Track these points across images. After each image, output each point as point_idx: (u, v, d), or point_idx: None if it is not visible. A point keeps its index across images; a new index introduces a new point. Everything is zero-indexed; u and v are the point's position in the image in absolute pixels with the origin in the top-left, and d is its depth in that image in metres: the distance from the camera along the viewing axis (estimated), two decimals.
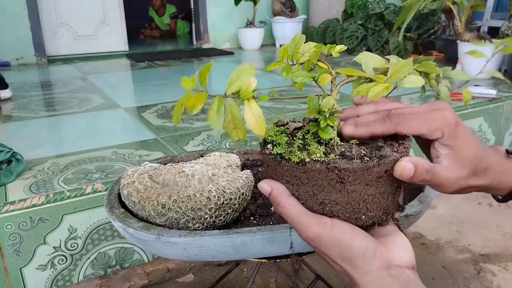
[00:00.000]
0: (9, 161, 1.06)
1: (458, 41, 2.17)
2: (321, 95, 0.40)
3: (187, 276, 1.12)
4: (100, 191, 0.99)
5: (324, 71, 0.39)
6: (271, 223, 0.61)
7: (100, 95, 1.98)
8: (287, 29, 3.59)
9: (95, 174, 1.06)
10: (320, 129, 0.38)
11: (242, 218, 0.63)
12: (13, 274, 0.93)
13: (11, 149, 1.07)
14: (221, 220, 0.58)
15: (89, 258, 1.01)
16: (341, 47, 0.41)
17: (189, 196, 0.56)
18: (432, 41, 2.93)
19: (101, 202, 0.99)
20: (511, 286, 1.07)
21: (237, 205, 0.59)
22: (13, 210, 0.90)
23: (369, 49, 3.00)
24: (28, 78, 2.46)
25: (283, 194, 0.38)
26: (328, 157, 0.35)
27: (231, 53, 3.33)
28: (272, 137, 0.39)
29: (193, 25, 3.81)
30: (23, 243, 0.92)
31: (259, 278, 1.10)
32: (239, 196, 0.59)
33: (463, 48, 2.13)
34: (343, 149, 0.37)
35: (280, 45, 3.71)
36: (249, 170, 0.66)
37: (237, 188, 0.60)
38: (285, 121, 0.43)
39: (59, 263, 0.98)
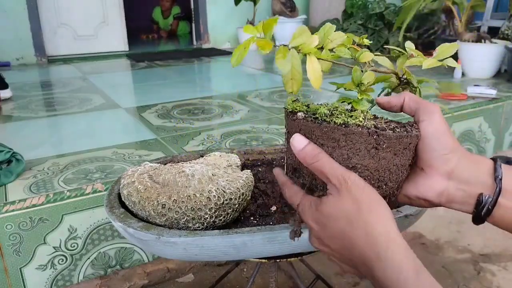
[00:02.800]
0: (9, 161, 1.06)
1: (458, 41, 2.17)
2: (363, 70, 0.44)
3: (187, 276, 1.12)
4: (100, 191, 0.99)
5: (364, 50, 0.44)
6: (271, 223, 0.61)
7: (100, 95, 1.98)
8: (287, 29, 3.59)
9: (95, 174, 1.06)
10: (355, 102, 0.41)
11: (242, 218, 0.63)
12: (13, 274, 0.93)
13: (11, 149, 1.07)
14: (221, 220, 0.58)
15: (89, 258, 1.01)
16: (367, 41, 0.46)
17: (189, 196, 0.56)
18: (432, 41, 2.93)
19: (101, 202, 0.99)
20: (511, 286, 1.07)
21: (237, 205, 0.59)
22: (13, 210, 0.90)
23: (369, 49, 3.00)
24: (28, 78, 2.46)
25: (319, 148, 0.39)
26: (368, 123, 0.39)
27: (231, 53, 3.33)
28: (299, 107, 0.42)
29: (193, 25, 3.81)
30: (23, 243, 0.92)
31: (259, 278, 1.10)
32: (239, 196, 0.59)
33: (463, 48, 2.13)
34: (375, 123, 0.40)
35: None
36: (249, 170, 0.66)
37: (237, 188, 0.60)
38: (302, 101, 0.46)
39: (59, 263, 0.98)
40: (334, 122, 0.38)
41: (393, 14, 2.92)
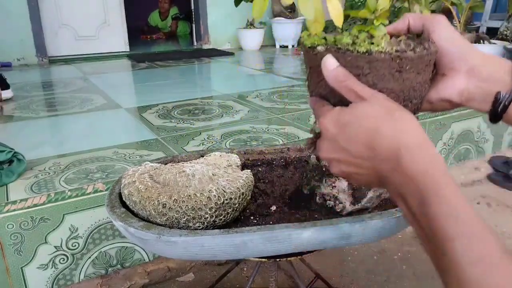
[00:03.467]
0: (10, 161, 1.06)
1: None
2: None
3: (188, 275, 1.13)
4: (101, 191, 0.99)
5: None
6: (271, 222, 0.62)
7: (101, 96, 1.98)
8: (287, 30, 3.60)
9: (96, 174, 1.06)
10: (372, 29, 0.42)
11: (242, 217, 0.63)
12: (14, 274, 0.94)
13: (12, 149, 1.08)
14: (221, 219, 0.58)
15: (90, 258, 1.01)
16: None
17: (189, 195, 0.57)
18: None
19: (102, 202, 0.99)
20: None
21: (237, 205, 0.60)
22: (14, 210, 0.90)
23: None
24: (30, 79, 2.47)
25: (347, 72, 0.40)
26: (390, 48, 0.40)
27: (231, 53, 3.33)
28: (317, 41, 0.42)
29: (194, 26, 3.82)
30: (25, 243, 0.93)
31: (259, 277, 1.11)
32: (239, 196, 0.60)
33: None
34: (395, 46, 0.40)
35: (280, 46, 3.71)
36: (249, 170, 0.67)
37: (237, 188, 0.60)
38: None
39: (60, 263, 0.98)
40: (357, 51, 0.39)
41: (392, 15, 2.92)
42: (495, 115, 0.41)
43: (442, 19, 0.43)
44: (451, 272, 0.31)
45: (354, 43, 0.40)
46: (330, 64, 0.40)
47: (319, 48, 0.41)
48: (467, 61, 0.42)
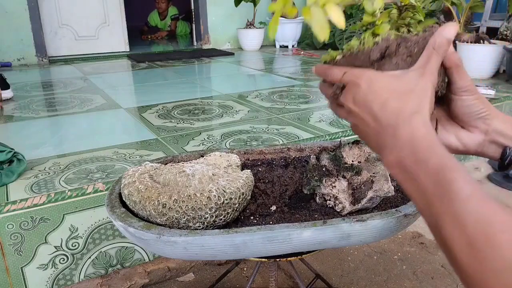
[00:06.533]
0: (10, 161, 1.06)
1: (457, 41, 2.17)
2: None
3: (188, 275, 1.13)
4: (101, 191, 0.99)
5: None
6: (271, 222, 0.62)
7: (101, 96, 1.98)
8: (287, 30, 3.60)
9: (96, 174, 1.06)
10: (376, 27, 0.45)
11: (242, 217, 0.63)
12: (14, 274, 0.94)
13: (12, 149, 1.08)
14: (221, 219, 0.58)
15: (90, 258, 1.01)
16: None
17: (189, 195, 0.57)
18: None
19: (102, 202, 0.99)
20: None
21: (237, 205, 0.60)
22: (14, 210, 0.90)
23: None
24: (30, 79, 2.47)
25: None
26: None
27: (231, 53, 3.33)
28: (334, 54, 0.47)
29: (194, 26, 3.82)
30: (25, 243, 0.93)
31: (259, 277, 1.11)
32: (239, 196, 0.60)
33: (462, 48, 2.14)
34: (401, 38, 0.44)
35: (280, 46, 3.71)
36: (249, 170, 0.67)
37: (237, 188, 0.60)
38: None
39: (60, 263, 0.98)
40: (364, 48, 0.43)
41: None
42: (502, 166, 0.47)
43: (463, 70, 0.45)
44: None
45: (362, 44, 0.44)
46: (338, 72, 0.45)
47: (337, 57, 0.46)
48: (485, 122, 0.47)
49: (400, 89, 0.41)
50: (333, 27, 0.46)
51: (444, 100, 0.49)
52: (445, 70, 0.45)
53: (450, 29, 0.42)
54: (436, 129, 0.49)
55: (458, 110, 0.47)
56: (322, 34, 0.40)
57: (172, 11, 4.94)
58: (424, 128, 0.39)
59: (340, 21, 0.41)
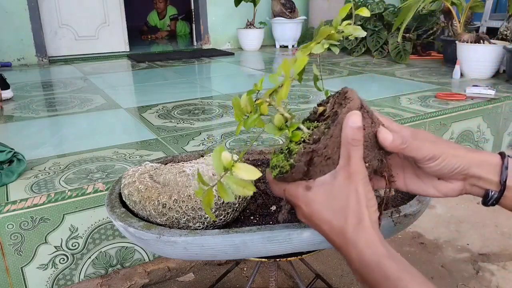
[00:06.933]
0: (10, 161, 1.06)
1: (457, 41, 2.17)
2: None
3: (188, 275, 1.13)
4: (101, 191, 0.99)
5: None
6: (271, 222, 0.62)
7: (101, 96, 1.98)
8: (287, 30, 3.60)
9: (96, 174, 1.06)
10: (293, 136, 0.45)
11: (242, 217, 0.63)
12: (14, 274, 0.94)
13: (12, 149, 1.08)
14: (221, 219, 0.58)
15: (90, 258, 1.02)
16: (366, 11, 0.47)
17: (189, 195, 0.57)
18: (431, 42, 2.93)
19: (102, 202, 0.99)
20: (510, 286, 1.08)
21: (237, 205, 0.60)
22: (14, 210, 0.91)
23: (368, 50, 3.00)
24: (30, 79, 2.47)
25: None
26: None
27: (232, 53, 3.34)
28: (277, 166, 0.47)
29: (194, 26, 3.82)
30: (25, 243, 0.93)
31: (259, 277, 1.11)
32: (239, 196, 0.60)
33: (462, 48, 2.14)
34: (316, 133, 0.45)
35: (280, 46, 3.71)
36: None
37: None
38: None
39: (60, 263, 0.98)
40: (285, 171, 0.44)
41: (392, 15, 2.92)
42: (486, 205, 0.48)
43: (411, 146, 0.45)
44: None
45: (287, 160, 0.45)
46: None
47: (272, 177, 0.47)
48: (465, 172, 0.46)
49: (336, 206, 0.42)
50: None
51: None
52: (381, 151, 0.46)
53: (354, 119, 0.42)
54: (406, 183, 0.50)
55: (431, 173, 0.48)
56: (249, 190, 0.42)
57: (171, 11, 4.94)
58: (367, 243, 0.41)
59: (250, 187, 0.42)
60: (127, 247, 1.05)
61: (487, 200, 0.47)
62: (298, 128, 0.46)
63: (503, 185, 0.45)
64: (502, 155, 0.46)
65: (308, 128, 0.46)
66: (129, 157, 1.18)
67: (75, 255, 1.00)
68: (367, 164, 0.44)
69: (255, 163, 0.78)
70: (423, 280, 0.39)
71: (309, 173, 0.44)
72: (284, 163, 0.45)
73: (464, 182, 0.47)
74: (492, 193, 0.46)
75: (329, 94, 0.50)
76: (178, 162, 0.75)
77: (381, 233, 0.42)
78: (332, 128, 0.43)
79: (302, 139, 0.45)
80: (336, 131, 0.43)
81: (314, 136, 0.44)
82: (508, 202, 0.46)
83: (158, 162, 0.71)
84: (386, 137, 0.44)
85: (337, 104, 0.46)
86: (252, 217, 0.64)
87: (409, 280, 0.38)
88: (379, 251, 0.40)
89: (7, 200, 0.92)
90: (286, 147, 0.46)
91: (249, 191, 0.41)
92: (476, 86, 1.83)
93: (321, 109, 0.48)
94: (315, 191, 0.43)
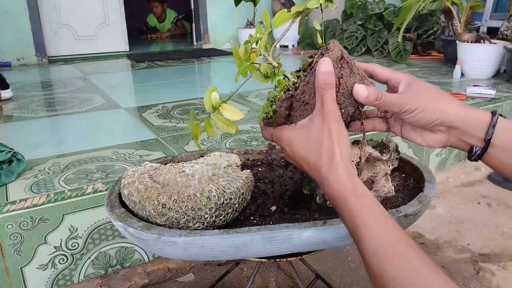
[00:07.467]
0: (10, 161, 1.06)
1: (457, 41, 2.17)
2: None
3: (188, 276, 1.13)
4: (100, 191, 0.99)
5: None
6: (271, 223, 0.61)
7: (101, 95, 1.98)
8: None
9: (95, 174, 1.06)
10: (278, 84, 0.51)
11: (242, 218, 0.63)
12: (14, 274, 0.94)
13: (12, 149, 1.08)
14: (221, 220, 0.58)
15: (89, 258, 1.01)
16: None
17: (189, 196, 0.57)
18: (432, 42, 2.93)
19: (101, 202, 0.99)
20: (511, 286, 1.08)
21: (237, 205, 0.60)
22: (14, 210, 0.90)
23: (368, 50, 3.00)
24: (29, 79, 2.46)
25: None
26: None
27: (232, 53, 3.33)
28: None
29: (193, 25, 3.81)
30: (24, 243, 0.93)
31: (259, 278, 1.11)
32: (239, 196, 0.60)
33: (463, 48, 2.14)
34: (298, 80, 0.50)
35: (280, 46, 3.71)
36: (249, 170, 0.66)
37: (237, 188, 0.60)
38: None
39: (59, 263, 0.98)
40: (273, 112, 0.50)
41: (393, 15, 2.92)
42: (470, 160, 0.50)
43: (387, 100, 0.48)
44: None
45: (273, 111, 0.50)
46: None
47: (260, 122, 0.54)
48: (447, 124, 0.48)
49: (313, 146, 0.47)
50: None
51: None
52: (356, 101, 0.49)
53: (325, 64, 0.46)
54: (402, 130, 0.54)
55: (411, 124, 0.51)
56: (232, 129, 0.48)
57: (171, 14, 4.93)
58: (336, 180, 0.45)
59: (232, 126, 0.49)
60: (126, 247, 1.05)
61: (471, 156, 0.49)
62: (286, 77, 0.51)
63: (487, 142, 0.47)
64: (493, 113, 0.48)
65: (298, 78, 0.50)
66: (129, 157, 1.17)
67: (74, 255, 0.99)
68: (342, 110, 0.48)
69: (255, 163, 0.78)
70: (383, 213, 0.43)
71: (290, 117, 0.49)
72: (268, 109, 0.50)
73: (448, 134, 0.50)
74: (476, 149, 0.48)
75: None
76: (178, 162, 0.75)
77: (354, 168, 0.46)
78: (308, 76, 0.48)
79: (287, 87, 0.50)
80: (312, 78, 0.47)
81: (296, 84, 0.49)
82: (492, 160, 0.48)
83: (158, 162, 0.71)
84: (359, 92, 0.48)
85: (321, 55, 0.50)
86: (252, 218, 0.63)
87: (367, 217, 0.42)
88: (346, 188, 0.44)
89: (7, 200, 0.92)
90: (273, 95, 0.51)
91: (232, 130, 0.47)
92: (477, 86, 1.83)
93: (310, 60, 0.52)
94: (295, 133, 0.49)
